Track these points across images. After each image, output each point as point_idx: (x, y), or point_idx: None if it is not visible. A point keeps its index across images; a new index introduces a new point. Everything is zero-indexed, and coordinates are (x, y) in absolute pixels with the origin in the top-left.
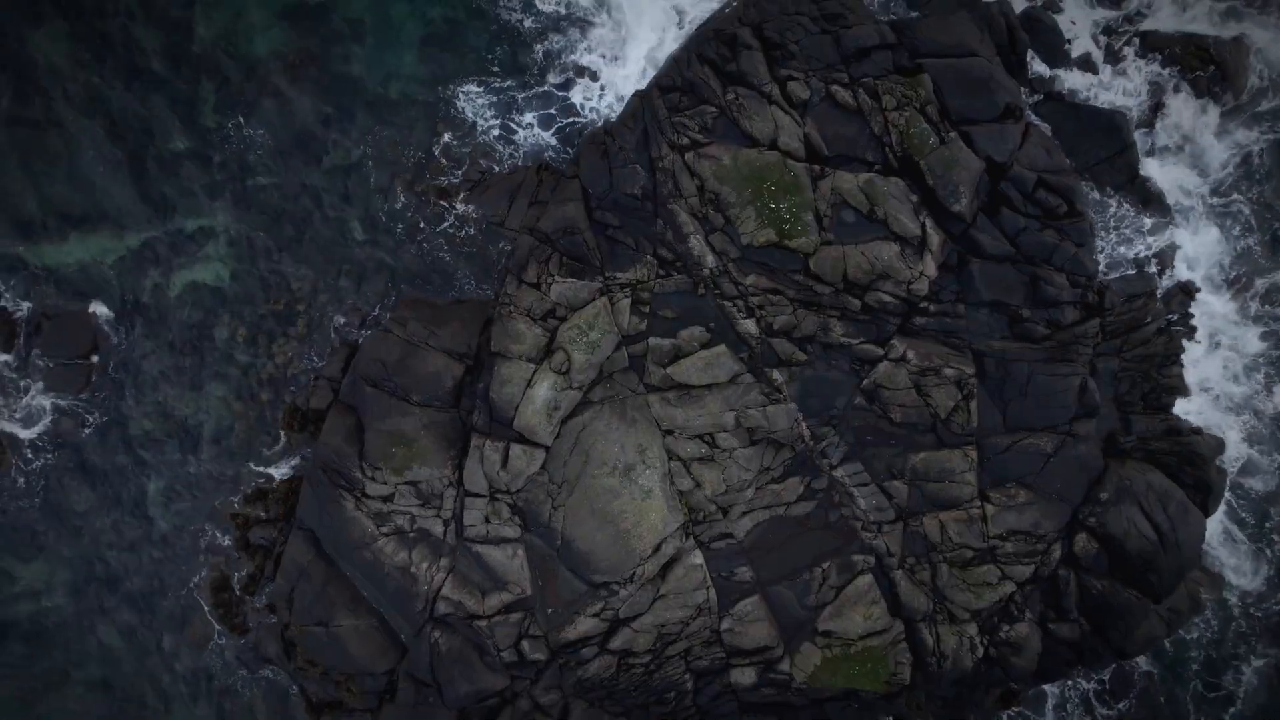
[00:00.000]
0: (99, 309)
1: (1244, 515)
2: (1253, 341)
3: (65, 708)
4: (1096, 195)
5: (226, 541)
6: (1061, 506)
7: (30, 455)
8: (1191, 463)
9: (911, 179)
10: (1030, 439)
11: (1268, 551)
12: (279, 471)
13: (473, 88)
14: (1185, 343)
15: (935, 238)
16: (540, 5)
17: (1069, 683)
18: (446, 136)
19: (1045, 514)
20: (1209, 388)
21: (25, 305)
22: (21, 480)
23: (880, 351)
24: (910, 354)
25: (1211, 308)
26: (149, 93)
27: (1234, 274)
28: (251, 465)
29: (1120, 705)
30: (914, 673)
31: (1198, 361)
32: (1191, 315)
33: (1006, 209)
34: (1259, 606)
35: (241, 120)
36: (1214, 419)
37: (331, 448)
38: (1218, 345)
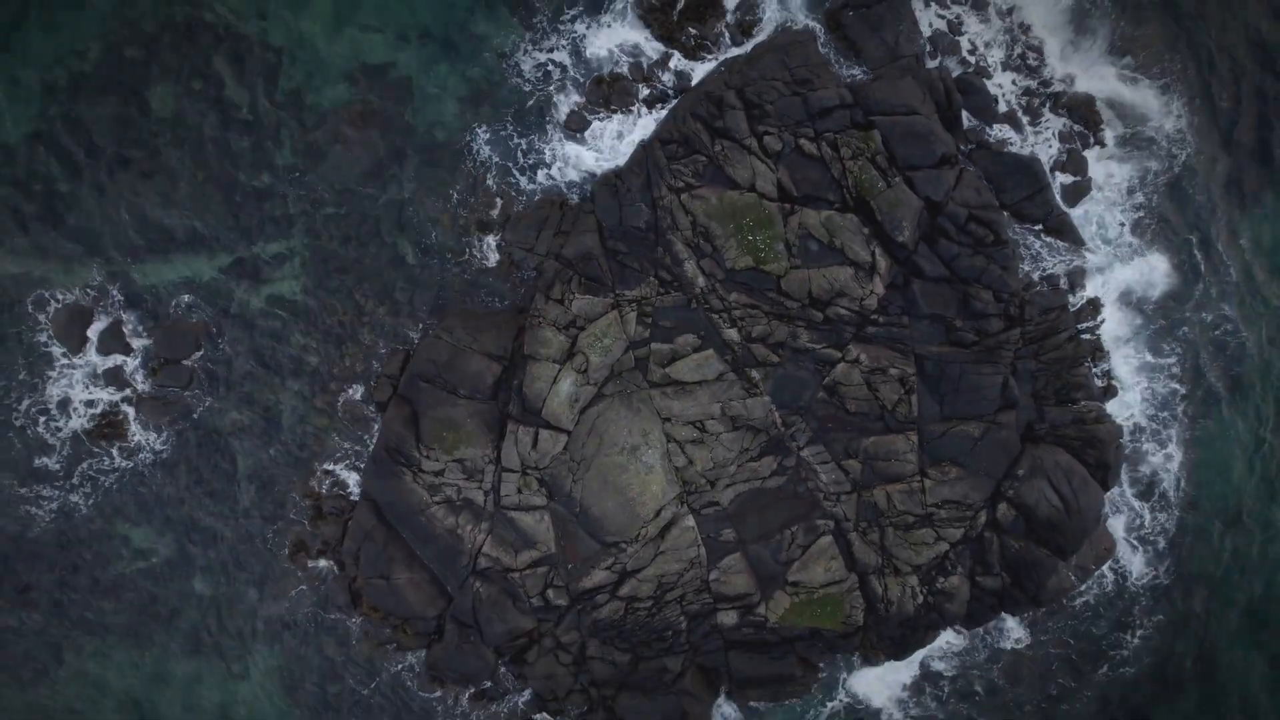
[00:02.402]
0: (198, 318)
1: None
2: (1154, 345)
3: (169, 645)
4: (1018, 227)
5: (303, 510)
6: (986, 481)
7: (144, 439)
8: (1093, 446)
9: (864, 215)
10: (961, 426)
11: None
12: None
13: (505, 135)
14: (1101, 347)
15: (883, 263)
16: (529, 71)
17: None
18: (483, 177)
19: (973, 487)
20: (1120, 385)
21: (140, 315)
22: (133, 461)
23: (838, 355)
24: (863, 357)
25: (1121, 319)
26: (238, 138)
27: (1138, 291)
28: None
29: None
30: (866, 616)
31: (1110, 362)
32: (1099, 323)
33: (943, 239)
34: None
35: (314, 161)
36: (1120, 411)
37: (392, 432)
38: (1122, 348)
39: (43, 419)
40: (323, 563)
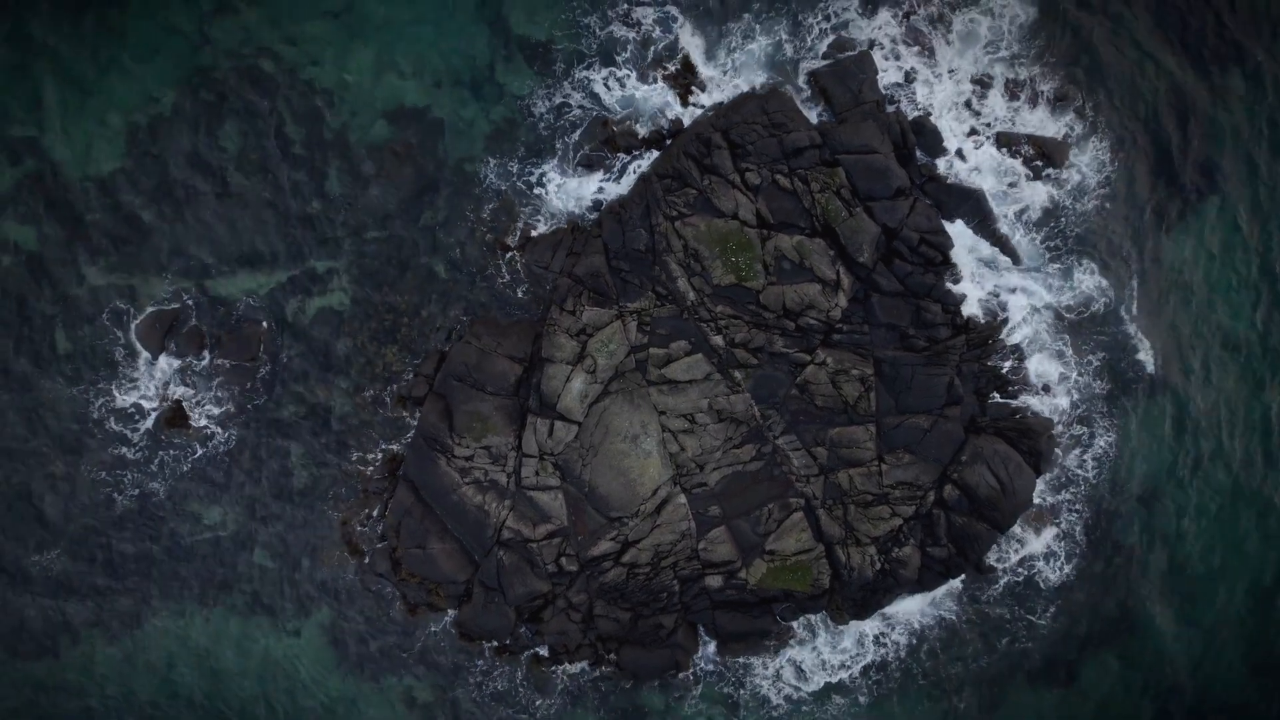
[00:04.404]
0: (260, 326)
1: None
2: (1082, 350)
3: (234, 605)
4: (964, 248)
5: (350, 490)
6: (935, 465)
7: (213, 430)
8: (1027, 436)
9: (830, 240)
10: (913, 419)
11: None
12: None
13: (524, 168)
14: (1033, 351)
15: (846, 280)
16: (545, 115)
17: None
18: (504, 205)
19: (923, 471)
20: (1051, 385)
21: (209, 323)
22: (204, 450)
23: (808, 358)
24: (829, 360)
25: (1052, 327)
26: (294, 170)
27: (1068, 301)
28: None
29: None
30: (832, 580)
31: (1043, 365)
32: (1033, 331)
33: (898, 259)
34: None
35: (359, 190)
36: (1047, 406)
37: (429, 423)
38: (1056, 354)
39: (123, 413)
40: (363, 525)
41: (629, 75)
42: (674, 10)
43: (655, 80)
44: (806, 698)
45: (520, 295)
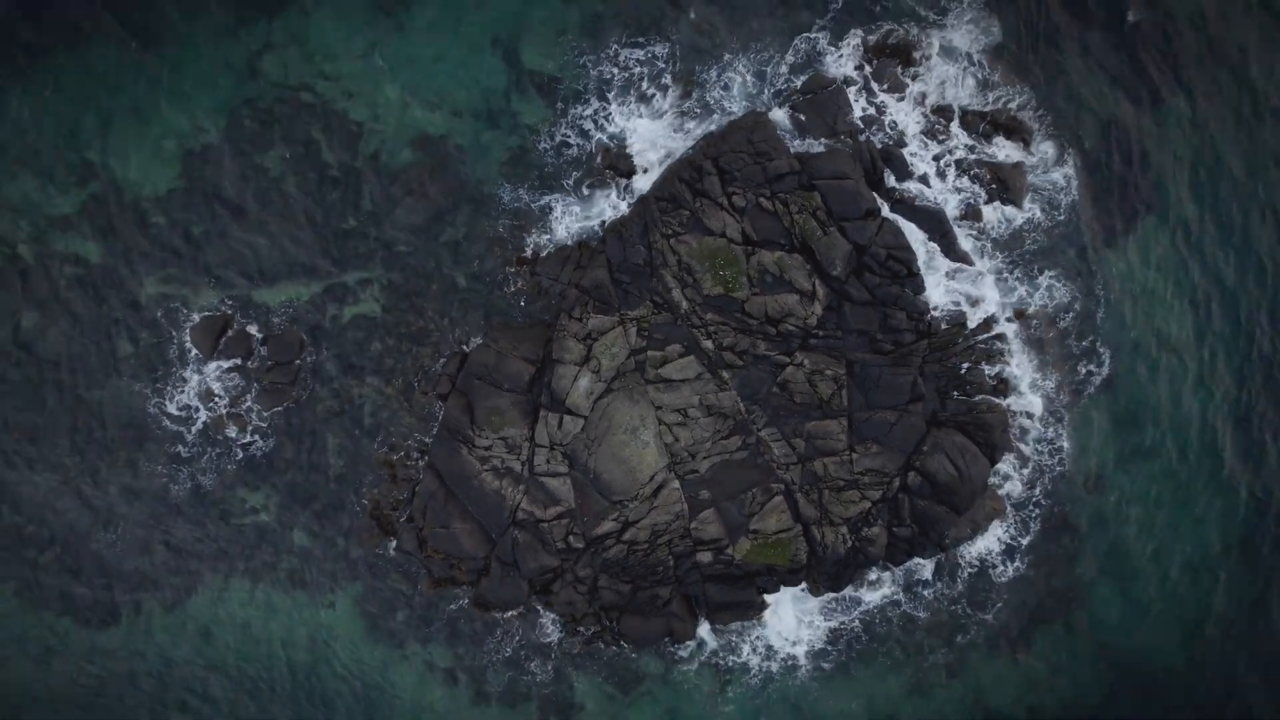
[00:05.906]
0: (300, 330)
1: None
2: (1040, 352)
3: (275, 580)
4: (928, 262)
5: (381, 477)
6: (899, 455)
7: (258, 423)
8: (983, 429)
9: (807, 255)
10: (881, 414)
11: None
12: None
13: (535, 192)
14: (994, 354)
15: (821, 291)
16: (553, 143)
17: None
18: (520, 223)
19: (889, 460)
20: (1011, 383)
21: (255, 328)
22: (249, 441)
23: (788, 360)
24: (806, 361)
25: (1012, 331)
26: (330, 191)
27: (1025, 307)
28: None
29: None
30: (809, 556)
31: (1002, 365)
32: (993, 336)
33: (867, 273)
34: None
35: (389, 209)
36: (1004, 403)
37: (452, 417)
38: (1012, 357)
39: (177, 408)
40: (393, 508)
41: (630, 108)
42: (661, 50)
43: (653, 112)
44: (781, 664)
45: (523, 304)
